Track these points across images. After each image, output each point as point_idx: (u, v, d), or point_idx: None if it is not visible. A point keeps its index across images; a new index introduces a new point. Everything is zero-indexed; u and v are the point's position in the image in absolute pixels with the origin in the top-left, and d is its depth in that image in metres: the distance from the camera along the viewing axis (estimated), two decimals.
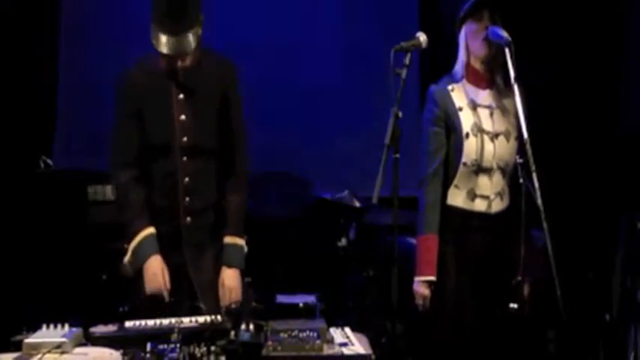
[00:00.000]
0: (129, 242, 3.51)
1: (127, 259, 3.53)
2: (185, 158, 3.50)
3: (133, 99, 3.52)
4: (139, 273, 3.48)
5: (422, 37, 3.38)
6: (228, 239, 3.56)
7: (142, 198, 3.52)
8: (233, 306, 3.34)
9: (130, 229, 3.51)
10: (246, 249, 3.62)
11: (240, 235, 3.59)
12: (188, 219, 3.53)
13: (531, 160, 3.29)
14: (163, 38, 3.31)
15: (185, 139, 3.49)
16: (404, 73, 3.26)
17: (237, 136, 3.60)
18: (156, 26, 3.34)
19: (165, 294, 3.41)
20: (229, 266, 3.54)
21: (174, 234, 3.52)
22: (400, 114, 3.22)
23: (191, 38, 3.32)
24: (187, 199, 3.52)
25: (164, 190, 3.53)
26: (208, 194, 3.57)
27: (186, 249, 3.53)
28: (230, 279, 3.52)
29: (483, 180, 3.63)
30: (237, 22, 5.97)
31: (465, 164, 3.61)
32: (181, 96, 3.48)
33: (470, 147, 3.60)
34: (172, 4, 3.33)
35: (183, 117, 3.48)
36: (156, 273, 3.43)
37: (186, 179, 3.51)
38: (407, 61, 3.30)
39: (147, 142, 3.52)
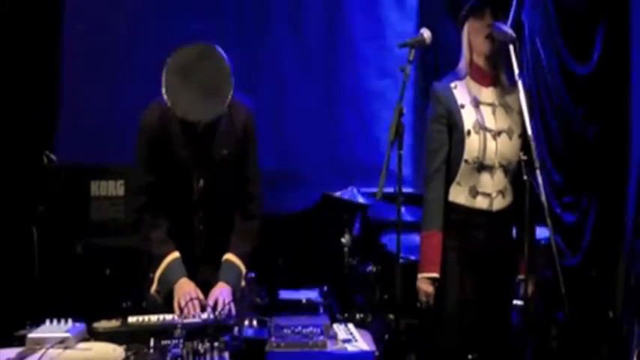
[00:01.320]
0: (154, 271, 3.42)
1: (153, 288, 3.43)
2: (201, 213, 3.48)
3: (151, 146, 3.41)
4: (167, 299, 3.37)
5: (426, 33, 3.38)
6: (230, 256, 3.50)
7: (163, 231, 3.46)
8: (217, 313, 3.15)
9: (154, 259, 3.44)
10: (243, 281, 3.49)
11: (242, 260, 3.51)
12: (202, 244, 3.51)
13: (535, 157, 3.29)
14: (187, 101, 3.14)
15: (202, 197, 3.45)
16: (408, 69, 3.26)
17: (253, 176, 3.57)
18: (177, 84, 3.16)
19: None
20: (224, 282, 3.44)
21: (189, 256, 3.47)
22: (404, 110, 3.21)
23: (224, 101, 3.19)
24: (202, 226, 3.50)
25: (178, 230, 3.50)
26: (223, 228, 3.53)
27: (202, 270, 3.49)
28: (220, 290, 3.39)
29: (485, 177, 3.62)
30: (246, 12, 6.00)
31: (466, 162, 3.60)
32: (200, 164, 3.41)
33: (472, 144, 3.59)
34: (206, 56, 3.22)
35: (201, 182, 3.44)
36: (189, 292, 3.30)
37: (201, 227, 3.51)
38: (411, 57, 3.30)
39: (161, 191, 3.46)
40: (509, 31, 3.47)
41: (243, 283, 3.49)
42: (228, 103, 3.19)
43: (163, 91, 3.14)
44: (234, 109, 3.42)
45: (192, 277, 3.42)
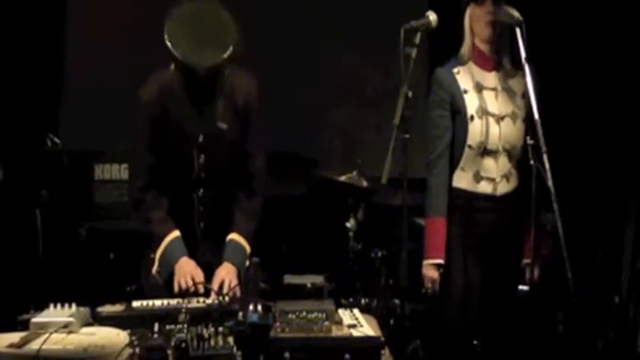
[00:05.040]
0: (154, 251, 3.39)
1: (154, 269, 3.39)
2: (201, 192, 3.46)
3: (151, 122, 3.38)
4: (168, 279, 3.34)
5: (432, 16, 3.35)
6: (234, 236, 3.45)
7: (164, 210, 3.43)
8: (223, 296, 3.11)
9: (154, 239, 3.40)
10: (247, 262, 3.43)
11: (247, 240, 3.47)
12: (202, 224, 3.49)
13: (542, 142, 3.27)
14: (188, 45, 3.10)
15: (203, 174, 3.42)
16: (413, 52, 3.24)
17: (256, 151, 3.51)
18: (178, 30, 3.14)
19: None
20: (230, 262, 3.40)
21: (189, 236, 3.44)
22: (410, 94, 3.19)
23: (225, 49, 3.13)
24: (201, 207, 3.47)
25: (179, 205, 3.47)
26: (224, 208, 3.49)
27: (203, 250, 3.47)
28: (226, 270, 3.36)
29: (489, 162, 3.62)
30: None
31: (470, 147, 3.60)
32: (201, 138, 3.38)
33: (475, 129, 3.59)
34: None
35: (202, 158, 3.41)
36: (190, 271, 3.27)
37: (201, 208, 3.48)
38: (417, 40, 3.28)
39: (161, 169, 3.43)
40: (516, 14, 3.45)
41: (247, 263, 3.44)
42: (229, 53, 3.13)
43: (165, 36, 3.11)
44: (238, 80, 3.39)
45: (192, 257, 3.38)
